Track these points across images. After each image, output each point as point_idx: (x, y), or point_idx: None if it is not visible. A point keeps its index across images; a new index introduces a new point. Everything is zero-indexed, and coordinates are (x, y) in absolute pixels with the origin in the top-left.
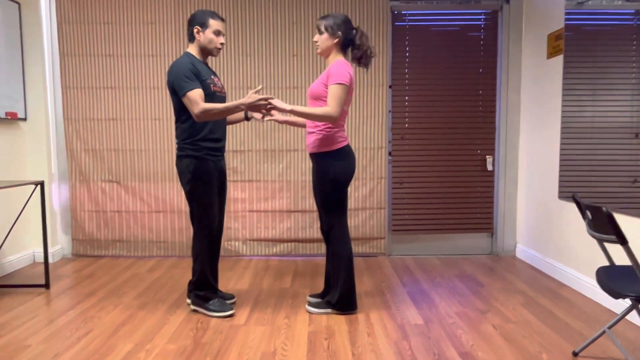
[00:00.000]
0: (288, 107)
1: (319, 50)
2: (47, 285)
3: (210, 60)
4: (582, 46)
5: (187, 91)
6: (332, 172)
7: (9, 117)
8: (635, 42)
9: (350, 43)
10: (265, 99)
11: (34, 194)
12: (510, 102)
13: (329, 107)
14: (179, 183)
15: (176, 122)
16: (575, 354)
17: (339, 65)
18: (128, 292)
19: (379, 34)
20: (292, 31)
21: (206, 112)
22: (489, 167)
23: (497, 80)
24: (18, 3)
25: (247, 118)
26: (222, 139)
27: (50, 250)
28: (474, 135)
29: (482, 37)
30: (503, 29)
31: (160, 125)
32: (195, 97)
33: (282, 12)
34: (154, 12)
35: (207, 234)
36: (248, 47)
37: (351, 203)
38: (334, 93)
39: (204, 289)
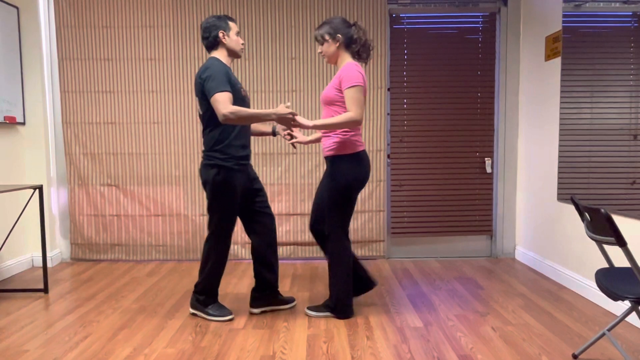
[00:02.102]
0: (310, 123)
1: (326, 60)
2: (45, 290)
3: None
4: (580, 48)
5: (218, 92)
6: (346, 176)
7: (8, 122)
8: (632, 45)
9: (351, 40)
10: (292, 114)
11: (32, 198)
12: (508, 104)
13: (351, 112)
14: (178, 186)
15: (205, 129)
16: (575, 357)
17: (349, 67)
18: (127, 296)
19: (377, 37)
20: (291, 34)
21: (235, 113)
22: (488, 170)
23: (495, 83)
24: (17, 7)
25: (274, 134)
26: (248, 146)
27: (48, 254)
28: (473, 138)
29: (480, 39)
30: (501, 32)
31: (159, 129)
32: (225, 99)
33: (280, 16)
34: (153, 15)
35: (223, 242)
36: (247, 50)
37: None
38: (351, 96)
39: (205, 294)
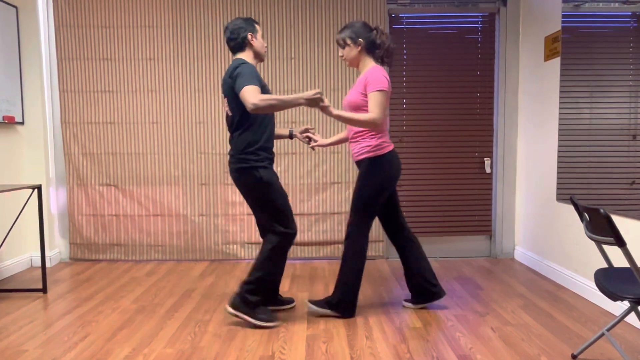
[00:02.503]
0: (335, 112)
1: (347, 63)
2: (44, 290)
3: (209, 65)
4: (579, 48)
5: (247, 85)
6: (376, 178)
7: (7, 121)
8: (632, 45)
9: (373, 45)
10: (320, 97)
11: (31, 197)
12: (508, 105)
13: (373, 114)
14: (177, 186)
15: (235, 131)
16: (574, 357)
17: (375, 71)
18: (126, 296)
19: None
20: (290, 34)
21: (265, 101)
22: (487, 170)
23: (494, 83)
24: (16, 7)
25: (290, 136)
26: (273, 147)
27: (47, 254)
28: (472, 138)
29: (479, 39)
30: (500, 32)
31: (158, 128)
32: (255, 89)
33: (279, 16)
34: (152, 15)
35: (290, 237)
36: None
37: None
38: (375, 99)
39: (259, 295)
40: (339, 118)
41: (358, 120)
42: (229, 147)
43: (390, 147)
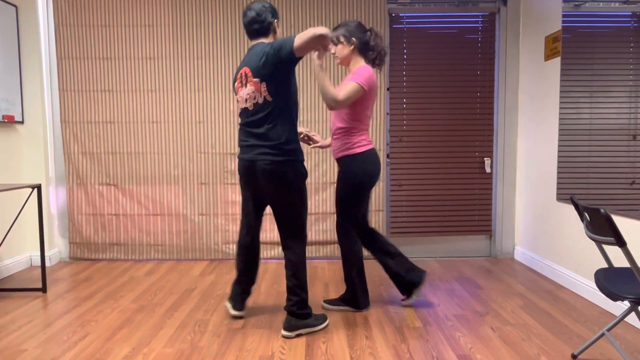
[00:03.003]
0: (318, 64)
1: (338, 61)
2: (44, 289)
3: (210, 64)
4: (579, 48)
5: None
6: (355, 175)
7: (6, 120)
8: (632, 45)
9: (366, 46)
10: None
11: (31, 197)
12: (508, 104)
13: (338, 96)
14: (177, 186)
15: (275, 119)
16: (574, 357)
17: (364, 69)
18: (125, 296)
19: None
20: (290, 34)
21: (305, 33)
22: (487, 169)
23: (494, 83)
24: (15, 6)
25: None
26: None
27: (47, 253)
28: (472, 138)
29: (479, 39)
30: (500, 31)
31: (158, 128)
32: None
33: (280, 16)
34: (152, 14)
35: (305, 239)
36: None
37: None
38: (348, 88)
39: (307, 304)
40: (318, 73)
41: (325, 88)
42: (229, 146)
43: (369, 146)
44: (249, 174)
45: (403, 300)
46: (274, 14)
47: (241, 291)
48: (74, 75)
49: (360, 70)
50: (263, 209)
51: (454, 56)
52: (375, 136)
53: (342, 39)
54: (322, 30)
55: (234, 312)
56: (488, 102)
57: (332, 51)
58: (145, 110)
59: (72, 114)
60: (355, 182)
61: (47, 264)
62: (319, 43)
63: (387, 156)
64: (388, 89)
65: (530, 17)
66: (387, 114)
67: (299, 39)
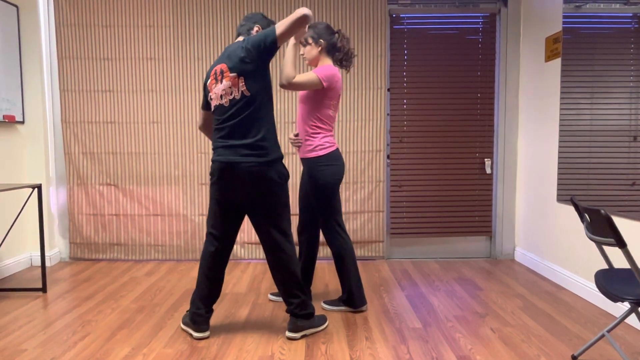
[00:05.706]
0: (294, 42)
1: (307, 62)
2: (44, 289)
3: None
4: (580, 49)
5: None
6: (321, 176)
7: (7, 120)
8: (633, 46)
9: (334, 47)
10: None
11: (31, 197)
12: (508, 105)
13: (295, 76)
14: (177, 186)
15: (253, 114)
16: (574, 358)
17: (328, 66)
18: (125, 296)
19: (377, 37)
20: None
21: (285, 20)
22: (488, 170)
23: (495, 83)
24: (16, 6)
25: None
26: None
27: (47, 253)
28: (473, 138)
29: (480, 40)
30: (501, 32)
31: (159, 128)
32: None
33: (280, 16)
34: (153, 15)
35: (292, 239)
36: None
37: (350, 206)
38: (307, 75)
39: (309, 304)
40: (290, 48)
41: (287, 65)
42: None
43: (334, 147)
44: (226, 178)
45: (272, 293)
46: (259, 21)
47: (205, 310)
48: (75, 75)
49: (324, 67)
50: (240, 218)
51: (454, 57)
52: (375, 137)
53: (310, 41)
54: (305, 10)
55: (199, 335)
56: (488, 102)
57: (301, 52)
58: (146, 111)
59: (73, 114)
60: (324, 184)
61: (48, 264)
62: (302, 25)
63: (388, 157)
64: (389, 90)
65: (530, 18)
66: (388, 114)
67: (282, 25)
